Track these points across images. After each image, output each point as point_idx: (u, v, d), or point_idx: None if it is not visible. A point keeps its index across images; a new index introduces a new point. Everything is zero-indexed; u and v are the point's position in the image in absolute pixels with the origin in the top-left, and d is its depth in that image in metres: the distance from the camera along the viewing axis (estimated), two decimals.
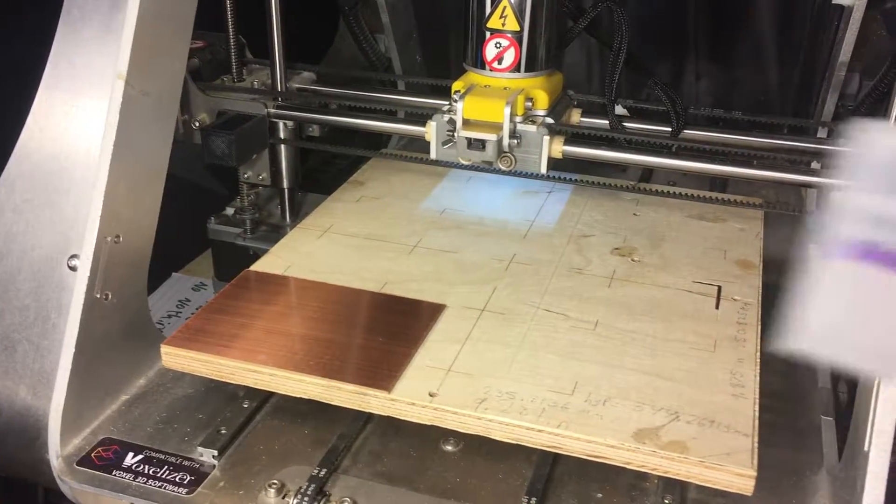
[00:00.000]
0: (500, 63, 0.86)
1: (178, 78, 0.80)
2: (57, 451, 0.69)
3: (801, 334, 0.24)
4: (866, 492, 0.57)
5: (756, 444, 0.61)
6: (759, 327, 0.74)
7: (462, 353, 0.71)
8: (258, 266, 0.84)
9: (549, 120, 0.86)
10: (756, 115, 0.96)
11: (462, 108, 0.83)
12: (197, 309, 0.79)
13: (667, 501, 0.64)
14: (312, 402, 0.69)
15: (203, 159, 0.92)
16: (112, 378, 0.75)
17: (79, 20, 0.72)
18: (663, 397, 0.66)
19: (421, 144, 0.91)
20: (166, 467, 0.68)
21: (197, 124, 0.95)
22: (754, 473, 0.59)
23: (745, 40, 1.23)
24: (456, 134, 0.84)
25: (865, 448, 0.57)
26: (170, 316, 1.09)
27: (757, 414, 0.64)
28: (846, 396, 0.75)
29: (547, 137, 0.85)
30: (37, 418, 0.70)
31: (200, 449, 0.69)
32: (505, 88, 0.86)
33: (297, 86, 1.04)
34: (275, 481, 0.65)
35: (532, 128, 0.84)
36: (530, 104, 0.86)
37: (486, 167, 0.86)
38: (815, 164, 0.91)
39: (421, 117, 0.91)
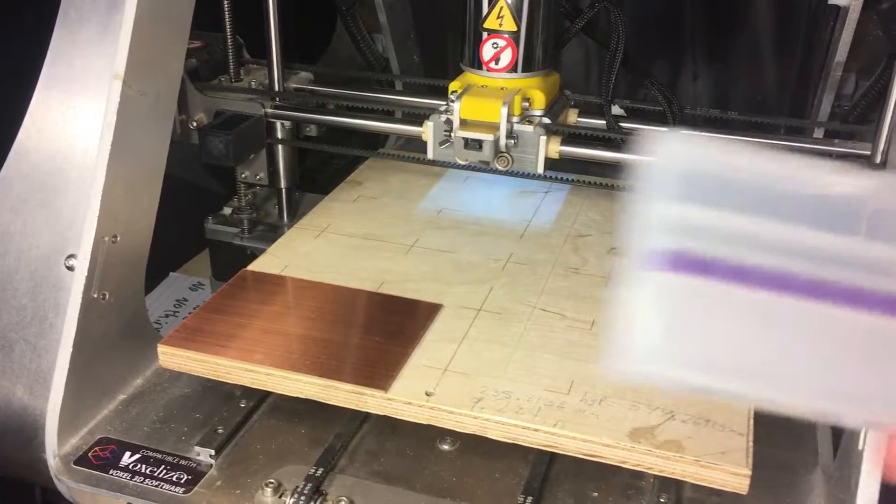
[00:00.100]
0: (497, 63, 0.87)
1: (175, 78, 0.81)
2: (54, 450, 0.69)
3: (623, 352, 0.24)
4: (860, 490, 0.58)
5: (751, 444, 0.61)
6: None
7: (459, 352, 0.71)
8: (255, 266, 0.84)
9: (546, 120, 0.87)
10: (752, 116, 0.96)
11: (459, 109, 0.83)
12: (194, 309, 0.79)
13: (663, 500, 0.65)
14: (309, 402, 0.69)
15: (201, 159, 0.92)
16: (109, 378, 0.75)
17: (76, 21, 0.72)
18: (659, 396, 0.66)
19: (418, 144, 0.91)
20: (163, 466, 0.68)
21: (194, 124, 0.95)
22: (749, 472, 0.59)
23: (742, 40, 1.23)
24: (453, 134, 0.84)
25: (860, 446, 0.58)
26: (167, 316, 1.09)
27: (752, 413, 0.64)
28: None
29: (544, 137, 0.85)
30: (34, 418, 0.70)
31: (197, 448, 0.69)
32: (502, 89, 0.86)
33: (295, 86, 1.04)
34: (271, 480, 0.65)
35: (529, 128, 0.85)
36: (527, 104, 0.86)
37: (483, 167, 0.87)
38: None
39: (418, 117, 0.91)
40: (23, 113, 0.72)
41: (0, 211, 0.72)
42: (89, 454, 0.69)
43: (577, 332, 0.74)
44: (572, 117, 0.97)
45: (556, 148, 0.86)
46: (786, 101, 1.22)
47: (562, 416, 0.64)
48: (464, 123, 0.84)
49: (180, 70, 0.81)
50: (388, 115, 0.99)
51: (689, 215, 0.24)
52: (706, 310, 0.24)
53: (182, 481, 0.67)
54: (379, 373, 0.68)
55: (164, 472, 0.67)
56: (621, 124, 0.94)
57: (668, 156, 0.25)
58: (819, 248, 0.24)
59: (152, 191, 0.78)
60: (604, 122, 0.95)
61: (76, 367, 0.70)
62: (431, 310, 0.77)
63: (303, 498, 0.64)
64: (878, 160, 0.84)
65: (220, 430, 0.70)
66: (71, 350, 0.69)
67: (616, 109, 0.97)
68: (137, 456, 0.69)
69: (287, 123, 0.99)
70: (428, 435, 0.69)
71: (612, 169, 0.93)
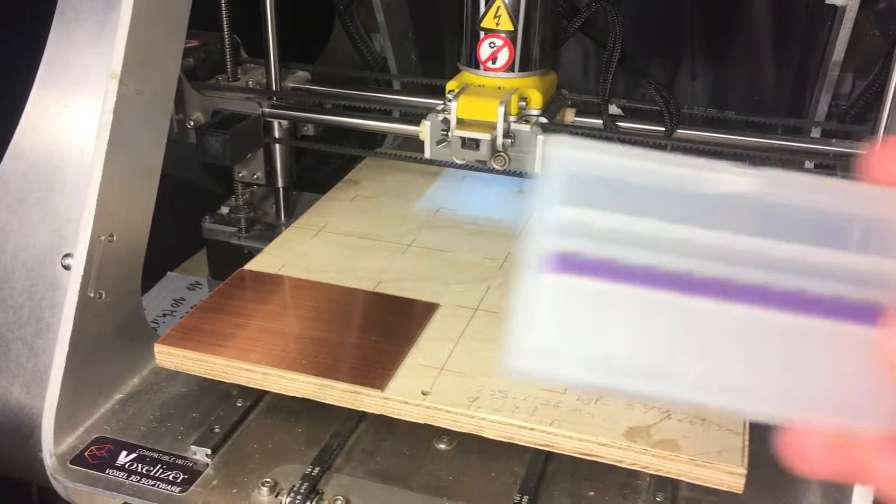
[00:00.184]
0: (494, 63, 0.87)
1: (172, 77, 0.81)
2: (50, 449, 0.69)
3: (519, 353, 0.24)
4: (856, 489, 0.58)
5: (747, 443, 0.62)
6: None
7: (455, 351, 0.71)
8: (252, 265, 0.84)
9: (543, 119, 0.87)
10: (750, 115, 0.96)
11: (456, 108, 0.83)
12: (192, 308, 0.79)
13: (658, 499, 0.65)
14: (306, 401, 0.69)
15: (198, 158, 0.92)
16: (106, 377, 0.75)
17: (73, 20, 0.72)
18: None
19: (416, 144, 0.91)
20: (160, 466, 0.68)
21: (192, 123, 0.95)
22: (745, 471, 0.59)
23: (740, 40, 1.23)
24: (450, 133, 0.84)
25: None
26: (164, 315, 1.09)
27: None
28: None
29: (541, 137, 0.85)
30: (30, 417, 0.70)
31: (194, 447, 0.69)
32: (499, 88, 0.86)
33: (292, 85, 1.04)
34: (268, 479, 0.65)
35: (526, 127, 0.85)
36: (524, 104, 0.86)
37: (481, 166, 0.87)
38: (808, 164, 0.92)
39: (416, 117, 0.91)
40: (19, 112, 0.72)
41: None
42: (86, 453, 0.69)
43: None
44: (569, 117, 0.97)
45: None
46: (783, 100, 1.22)
47: (558, 415, 0.64)
48: (461, 123, 0.84)
49: (177, 69, 0.81)
50: (385, 115, 0.99)
51: (579, 218, 0.25)
52: (598, 310, 0.24)
53: (178, 480, 0.67)
54: (375, 372, 0.68)
55: (161, 471, 0.67)
56: (618, 124, 0.95)
57: (558, 159, 0.25)
58: (717, 247, 0.25)
59: (149, 190, 0.78)
60: (601, 121, 0.95)
61: (72, 366, 0.70)
62: (428, 309, 0.77)
63: (299, 497, 0.64)
64: None
65: (217, 430, 0.70)
66: (67, 349, 0.69)
67: (613, 109, 0.97)
68: (134, 455, 0.69)
69: (284, 123, 0.99)
70: (424, 434, 0.69)
71: None
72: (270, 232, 1.01)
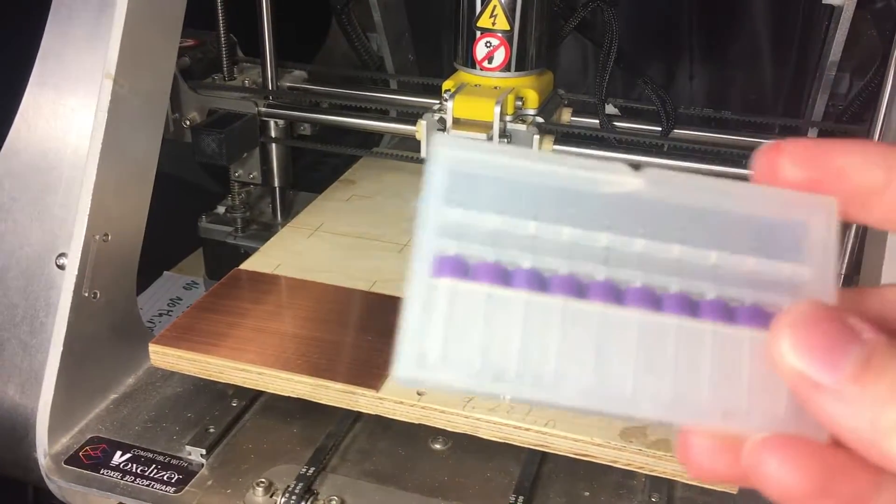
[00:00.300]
0: (490, 62, 0.86)
1: (167, 76, 0.80)
2: (45, 449, 0.69)
3: (406, 360, 0.24)
4: None
5: None
6: None
7: None
8: (248, 265, 0.84)
9: (540, 119, 0.86)
10: (747, 115, 0.96)
11: (452, 107, 0.83)
12: (188, 307, 0.79)
13: (654, 500, 0.64)
14: (301, 401, 0.69)
15: (194, 158, 0.92)
16: (101, 377, 0.75)
17: (67, 19, 0.72)
18: None
19: (412, 143, 0.91)
20: (154, 466, 0.68)
21: (188, 123, 0.95)
22: None
23: (738, 40, 1.23)
24: (446, 133, 0.84)
25: None
26: (161, 315, 1.09)
27: None
28: None
29: (537, 137, 0.84)
30: (25, 417, 0.70)
31: (189, 448, 0.69)
32: (495, 88, 0.86)
33: (289, 84, 1.03)
34: (263, 480, 0.65)
35: (522, 127, 0.84)
36: (520, 103, 0.86)
37: None
38: None
39: (412, 116, 0.91)
40: (14, 111, 0.72)
41: None
42: (80, 453, 0.69)
43: None
44: (566, 116, 0.96)
45: (549, 147, 0.86)
46: (780, 100, 1.22)
47: (553, 415, 0.64)
48: (457, 122, 0.84)
49: (172, 68, 0.81)
50: (382, 114, 0.99)
51: (465, 220, 0.24)
52: (487, 315, 0.24)
53: (173, 481, 0.66)
54: (370, 372, 0.68)
55: (155, 471, 0.67)
56: (615, 123, 0.94)
57: (441, 159, 0.25)
58: (606, 250, 0.24)
59: (144, 189, 0.78)
60: (598, 121, 0.95)
61: (67, 365, 0.70)
62: None
63: (294, 497, 0.64)
64: None
65: (212, 430, 0.70)
66: (62, 349, 0.69)
67: (610, 108, 0.96)
68: (128, 455, 0.69)
69: (280, 122, 0.99)
70: (420, 434, 0.69)
71: None
72: (267, 232, 1.01)
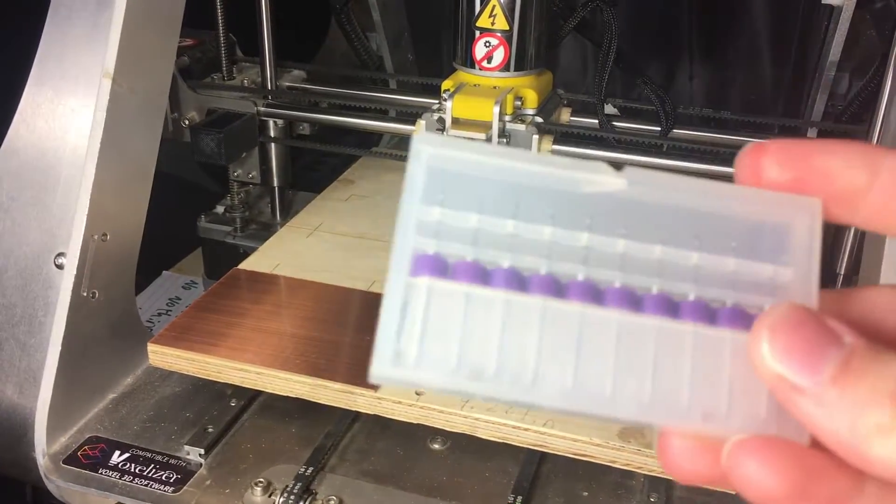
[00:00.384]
0: (489, 62, 0.86)
1: (166, 76, 0.80)
2: (43, 449, 0.69)
3: (384, 358, 0.24)
4: None
5: None
6: None
7: None
8: (246, 264, 0.84)
9: (539, 119, 0.86)
10: (746, 115, 0.96)
11: (451, 107, 0.83)
12: (187, 307, 0.79)
13: (652, 500, 0.64)
14: (300, 401, 0.69)
15: (193, 157, 0.92)
16: (99, 376, 0.75)
17: (66, 18, 0.71)
18: None
19: None
20: (153, 466, 0.68)
21: (187, 122, 0.95)
22: None
23: (737, 40, 1.23)
24: (445, 133, 0.84)
25: None
26: (160, 314, 1.09)
27: None
28: None
29: (536, 136, 0.84)
30: (23, 416, 0.70)
31: (187, 447, 0.69)
32: (494, 87, 0.86)
33: (288, 84, 1.03)
34: (261, 480, 0.65)
35: (521, 127, 0.84)
36: (519, 103, 0.86)
37: None
38: None
39: (411, 116, 0.91)
40: (12, 110, 0.72)
41: None
42: (79, 453, 0.69)
43: None
44: (565, 116, 0.96)
45: (548, 147, 0.86)
46: (780, 100, 1.22)
47: (551, 415, 0.64)
48: (456, 122, 0.83)
49: (171, 68, 0.81)
50: (381, 114, 0.99)
51: (445, 218, 0.24)
52: (466, 314, 0.24)
53: (171, 480, 0.66)
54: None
55: (154, 471, 0.67)
56: (614, 123, 0.94)
57: (421, 157, 0.25)
58: (587, 250, 0.24)
59: (142, 189, 0.78)
60: (597, 121, 0.94)
61: (65, 365, 0.70)
62: None
63: (292, 497, 0.64)
64: None
65: (210, 429, 0.70)
66: (60, 348, 0.69)
67: (609, 108, 0.96)
68: (127, 455, 0.69)
69: (280, 122, 0.99)
70: (418, 434, 0.69)
71: None
72: (266, 231, 1.01)
